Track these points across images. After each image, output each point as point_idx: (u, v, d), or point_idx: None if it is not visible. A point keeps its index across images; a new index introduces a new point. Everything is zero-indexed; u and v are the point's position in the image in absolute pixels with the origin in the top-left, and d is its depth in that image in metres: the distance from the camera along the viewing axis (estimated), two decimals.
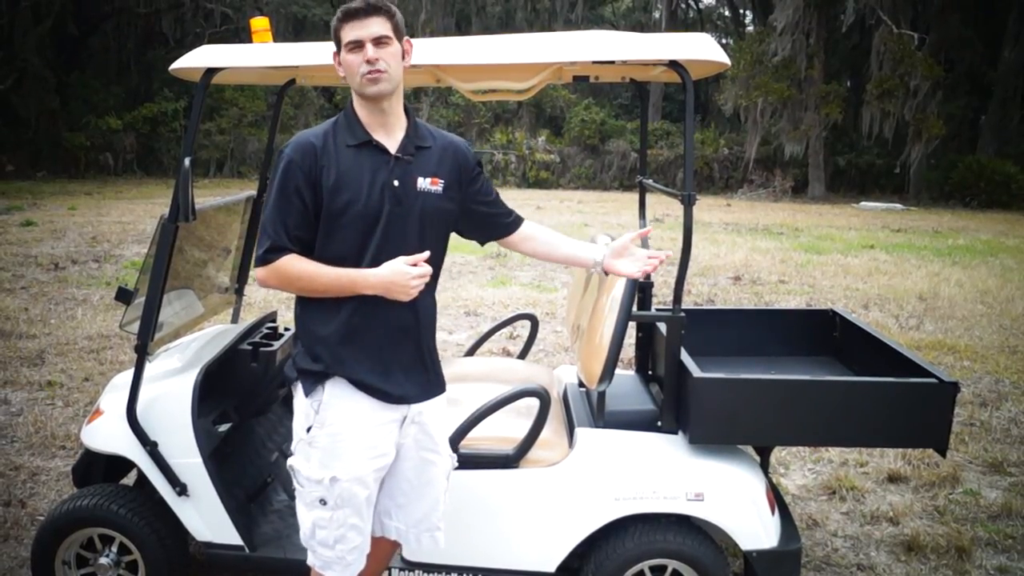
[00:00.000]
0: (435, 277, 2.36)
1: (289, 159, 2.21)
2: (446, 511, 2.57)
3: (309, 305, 2.29)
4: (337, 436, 2.27)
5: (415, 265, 2.20)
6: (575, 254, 2.54)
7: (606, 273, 2.53)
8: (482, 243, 2.59)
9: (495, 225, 2.52)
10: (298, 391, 2.33)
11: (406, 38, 2.26)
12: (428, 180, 2.29)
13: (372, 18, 2.15)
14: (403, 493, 2.45)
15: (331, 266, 2.22)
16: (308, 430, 2.29)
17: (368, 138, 2.25)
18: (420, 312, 2.32)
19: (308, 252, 2.24)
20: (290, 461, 2.35)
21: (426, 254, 2.22)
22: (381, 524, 2.49)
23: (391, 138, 2.28)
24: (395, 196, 2.23)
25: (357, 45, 2.16)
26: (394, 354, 2.30)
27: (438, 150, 2.35)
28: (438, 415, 2.46)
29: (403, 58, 2.24)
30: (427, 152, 2.32)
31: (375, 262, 2.22)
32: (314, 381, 2.28)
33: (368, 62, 2.15)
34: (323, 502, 2.28)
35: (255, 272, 2.27)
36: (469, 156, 2.42)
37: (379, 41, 2.16)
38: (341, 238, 2.23)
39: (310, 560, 2.39)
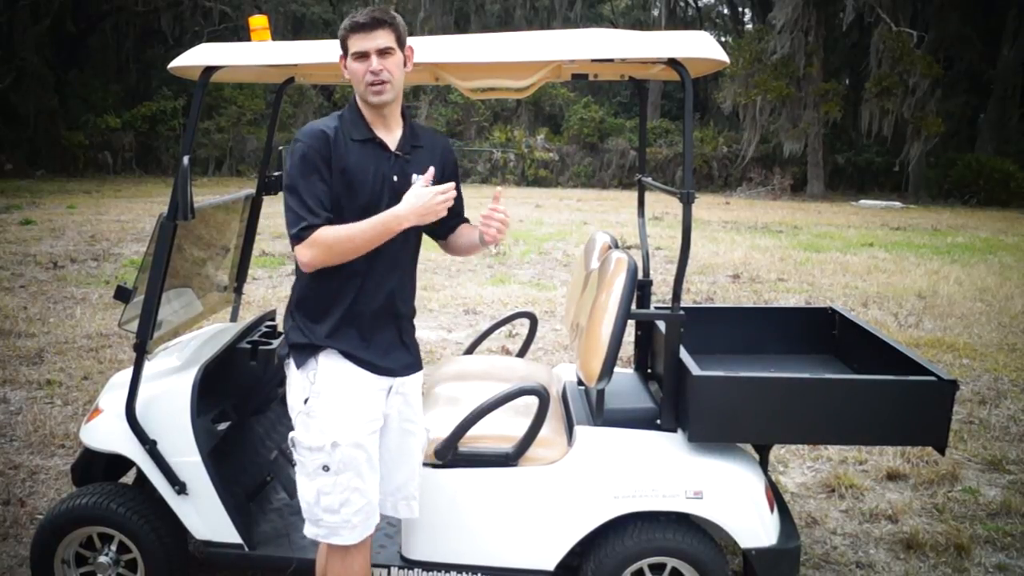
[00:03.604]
0: (414, 265, 2.56)
1: (307, 146, 2.33)
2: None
3: (317, 288, 2.41)
4: (333, 402, 2.39)
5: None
6: (473, 240, 2.59)
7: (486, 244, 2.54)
8: (433, 238, 2.68)
9: (445, 224, 2.57)
10: (291, 366, 2.47)
11: (408, 45, 2.42)
12: (421, 177, 2.42)
13: (377, 31, 2.31)
14: (383, 463, 2.54)
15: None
16: (305, 401, 2.41)
17: (372, 135, 2.41)
18: (397, 298, 2.48)
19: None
20: (291, 435, 2.45)
21: (431, 171, 2.37)
22: None
23: (391, 136, 2.45)
24: (393, 190, 2.40)
25: (363, 56, 2.32)
26: (379, 334, 2.46)
27: (429, 149, 2.53)
28: (418, 390, 2.64)
29: (404, 65, 2.40)
30: (421, 151, 2.50)
31: (375, 249, 2.33)
32: (307, 354, 2.42)
33: (372, 72, 2.31)
34: (326, 468, 2.38)
35: (296, 253, 2.31)
36: (453, 157, 2.62)
37: (383, 52, 2.32)
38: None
39: (313, 532, 2.43)
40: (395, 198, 2.36)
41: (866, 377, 2.81)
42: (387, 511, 2.61)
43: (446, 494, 2.75)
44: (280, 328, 3.51)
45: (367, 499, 2.43)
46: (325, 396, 2.39)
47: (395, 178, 2.41)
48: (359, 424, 2.41)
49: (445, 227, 2.62)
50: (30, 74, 21.97)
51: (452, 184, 2.35)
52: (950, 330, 7.48)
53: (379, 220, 2.30)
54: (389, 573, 2.82)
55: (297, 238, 2.29)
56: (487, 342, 5.15)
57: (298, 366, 2.43)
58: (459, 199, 2.59)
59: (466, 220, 2.69)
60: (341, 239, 2.29)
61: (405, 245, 2.47)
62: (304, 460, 2.41)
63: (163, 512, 2.89)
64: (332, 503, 2.39)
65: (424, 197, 2.29)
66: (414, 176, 2.42)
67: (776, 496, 3.04)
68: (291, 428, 2.46)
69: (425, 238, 2.62)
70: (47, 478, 4.15)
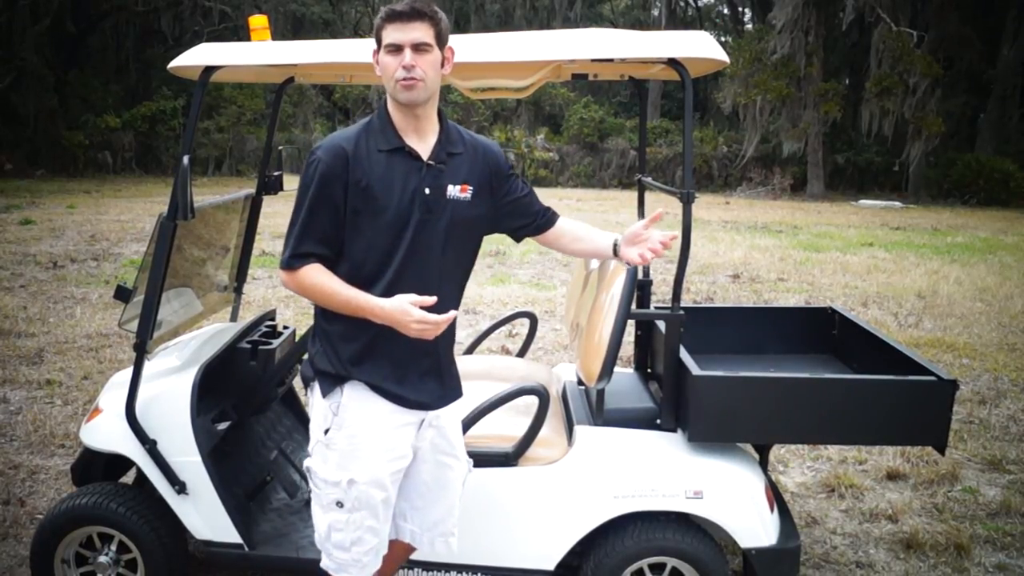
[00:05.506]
0: (460, 287, 2.37)
1: (320, 163, 2.17)
2: None
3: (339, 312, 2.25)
4: (355, 438, 2.26)
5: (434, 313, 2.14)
6: (600, 247, 2.48)
7: (621, 260, 2.43)
8: (516, 239, 2.53)
9: (525, 224, 2.46)
10: (315, 392, 2.32)
11: (448, 45, 2.22)
12: (458, 188, 2.26)
13: (415, 23, 2.11)
14: (419, 496, 2.46)
15: (357, 270, 2.21)
16: (326, 432, 2.28)
17: (401, 144, 2.21)
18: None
19: (337, 255, 2.23)
20: (307, 462, 2.34)
21: (432, 299, 2.14)
22: (396, 527, 2.48)
23: (424, 143, 2.25)
24: (425, 204, 2.21)
25: (396, 49, 2.13)
26: (413, 364, 2.29)
27: (469, 155, 2.32)
28: (455, 420, 2.48)
29: (443, 66, 2.20)
30: (458, 158, 2.29)
31: (401, 267, 2.20)
32: (332, 383, 2.27)
33: (404, 68, 2.11)
34: (340, 504, 2.27)
35: (280, 274, 2.26)
36: (501, 159, 2.39)
37: (419, 48, 2.12)
38: (369, 242, 2.21)
39: (324, 563, 2.37)
40: (428, 212, 2.19)
41: (866, 377, 2.81)
42: (424, 547, 2.52)
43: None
44: (280, 327, 3.51)
45: (380, 538, 2.34)
46: (347, 431, 2.25)
47: (427, 190, 2.20)
48: (381, 463, 2.27)
49: (520, 233, 2.47)
50: (30, 74, 21.94)
51: (449, 317, 2.11)
52: (950, 330, 7.48)
53: (357, 302, 2.15)
54: None
55: (286, 264, 2.19)
56: (487, 342, 5.15)
57: (323, 394, 2.28)
58: (528, 198, 2.42)
59: (546, 221, 2.46)
60: (317, 292, 2.18)
61: (452, 254, 2.26)
62: (319, 491, 2.31)
63: (163, 512, 2.89)
64: (343, 540, 2.29)
65: (403, 314, 2.10)
66: (449, 187, 2.24)
67: (776, 496, 3.04)
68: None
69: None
70: (47, 478, 4.15)
